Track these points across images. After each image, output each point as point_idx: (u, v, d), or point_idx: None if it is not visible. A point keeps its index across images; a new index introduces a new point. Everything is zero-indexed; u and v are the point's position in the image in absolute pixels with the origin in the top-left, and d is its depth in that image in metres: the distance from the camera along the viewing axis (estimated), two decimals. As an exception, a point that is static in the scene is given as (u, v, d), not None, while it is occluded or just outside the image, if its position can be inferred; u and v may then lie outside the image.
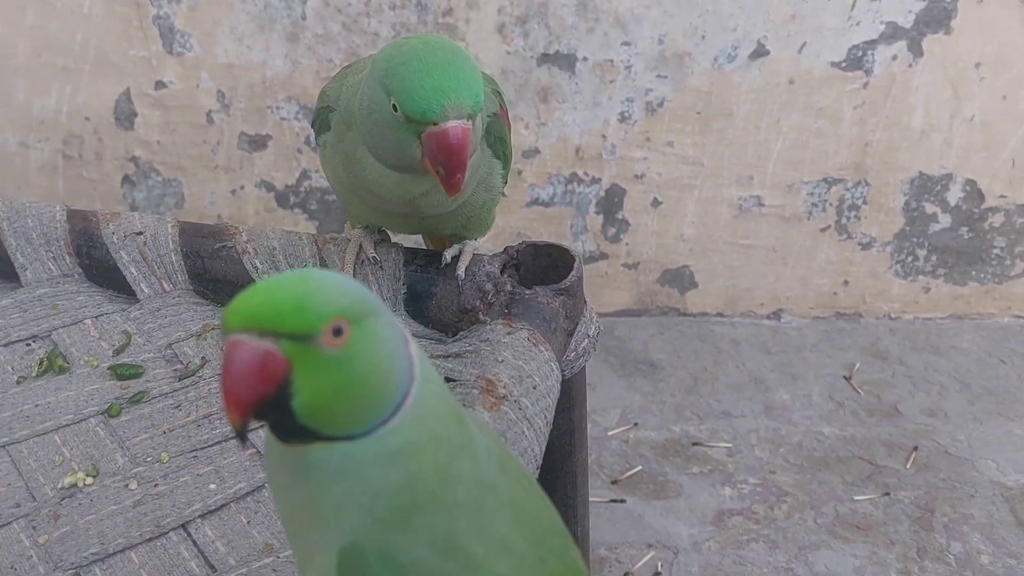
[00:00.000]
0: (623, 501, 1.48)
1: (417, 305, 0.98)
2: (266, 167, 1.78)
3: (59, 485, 0.83)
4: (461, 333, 0.95)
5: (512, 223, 1.83)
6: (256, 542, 0.78)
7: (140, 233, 1.04)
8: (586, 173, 1.80)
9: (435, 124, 0.77)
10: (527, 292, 0.93)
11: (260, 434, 0.87)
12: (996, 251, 1.89)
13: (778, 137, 1.77)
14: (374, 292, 0.97)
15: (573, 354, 0.95)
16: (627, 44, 1.69)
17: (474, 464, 0.54)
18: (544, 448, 0.84)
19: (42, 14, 1.66)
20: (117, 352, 0.97)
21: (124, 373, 0.94)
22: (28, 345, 0.98)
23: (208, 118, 1.74)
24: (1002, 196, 1.84)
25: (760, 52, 1.70)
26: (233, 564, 0.76)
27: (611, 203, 1.83)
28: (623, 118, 1.75)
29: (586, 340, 0.96)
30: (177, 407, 0.91)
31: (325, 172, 0.96)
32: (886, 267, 1.90)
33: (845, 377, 1.76)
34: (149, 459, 0.85)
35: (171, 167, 1.78)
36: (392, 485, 0.51)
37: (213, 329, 1.00)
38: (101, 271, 1.05)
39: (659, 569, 1.37)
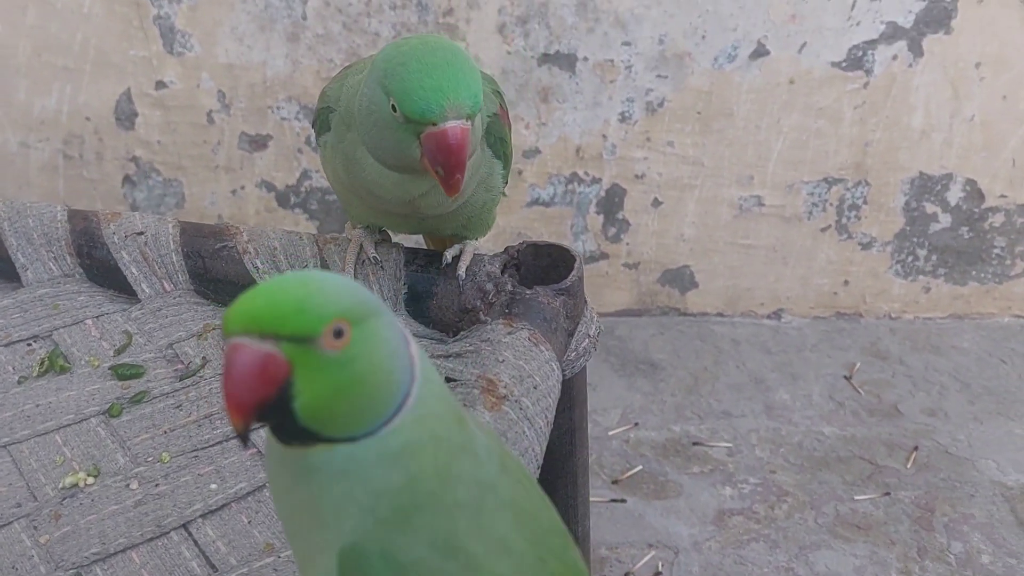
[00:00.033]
0: (624, 501, 1.48)
1: (418, 305, 0.98)
2: (267, 167, 1.78)
3: (60, 485, 0.83)
4: (462, 333, 0.95)
5: (512, 223, 1.83)
6: (257, 542, 0.78)
7: (141, 233, 1.04)
8: (586, 173, 1.80)
9: (434, 124, 0.77)
10: (528, 292, 0.93)
11: (261, 434, 0.87)
12: (996, 251, 1.89)
13: (778, 137, 1.77)
14: (375, 292, 0.97)
15: (574, 354, 0.95)
16: (627, 44, 1.69)
17: (475, 464, 0.54)
18: (545, 448, 0.84)
19: (42, 14, 1.66)
20: (118, 352, 0.97)
21: (125, 373, 0.94)
22: (29, 345, 0.98)
23: (209, 118, 1.74)
24: (1002, 196, 1.84)
25: (760, 52, 1.70)
26: (234, 564, 0.76)
27: (611, 203, 1.83)
28: (623, 118, 1.75)
29: (587, 340, 0.96)
30: (178, 407, 0.91)
31: (326, 172, 0.96)
32: (886, 267, 1.90)
33: (845, 377, 1.76)
34: (150, 459, 0.85)
35: (172, 167, 1.79)
36: (393, 485, 0.51)
37: (214, 329, 1.00)
38: (102, 271, 1.05)
39: (660, 569, 1.37)
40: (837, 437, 1.62)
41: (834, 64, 1.71)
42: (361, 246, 0.99)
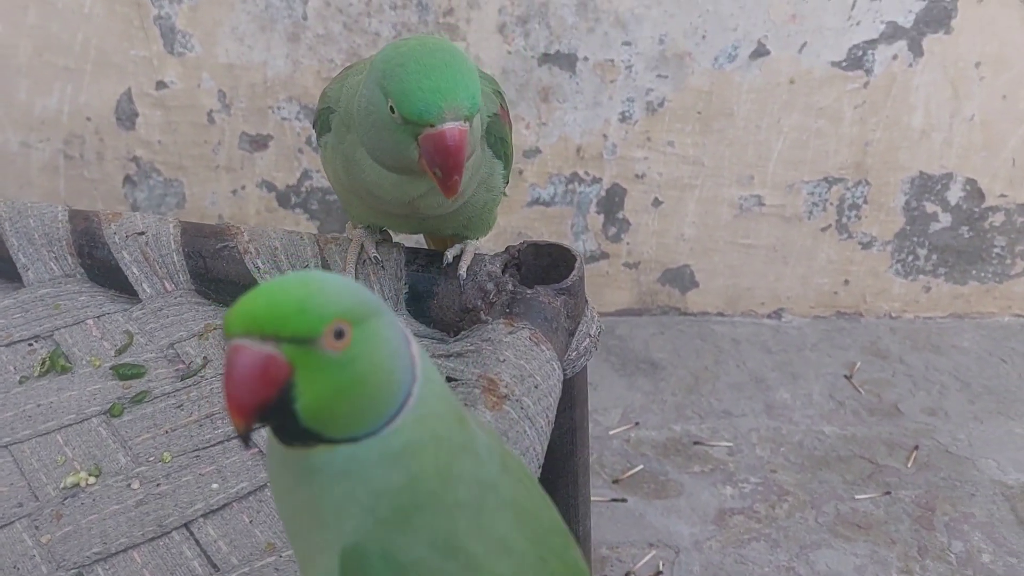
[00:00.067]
0: (624, 500, 1.48)
1: (419, 305, 0.98)
2: (267, 167, 1.79)
3: (61, 485, 0.83)
4: (463, 333, 0.95)
5: (513, 223, 1.84)
6: (258, 541, 0.78)
7: (142, 233, 1.04)
8: (587, 173, 1.80)
9: (432, 126, 0.77)
10: (528, 291, 0.94)
11: (263, 433, 0.87)
12: (996, 250, 1.89)
13: (778, 137, 1.78)
14: (376, 292, 0.97)
15: (575, 353, 0.95)
16: (628, 44, 1.69)
17: (475, 463, 0.54)
18: (546, 447, 0.84)
19: (43, 14, 1.66)
20: (119, 352, 0.97)
21: (126, 373, 0.94)
22: (30, 345, 0.99)
23: (209, 118, 1.74)
24: (1002, 195, 1.84)
25: (760, 52, 1.70)
26: (235, 563, 0.76)
27: (612, 203, 1.83)
28: (624, 118, 1.75)
29: (587, 339, 0.96)
30: (179, 407, 0.91)
31: (326, 173, 0.96)
32: (886, 266, 1.90)
33: (846, 376, 1.77)
34: (151, 459, 0.85)
35: (172, 167, 1.79)
36: (393, 485, 0.51)
37: (215, 329, 1.00)
38: (103, 271, 1.05)
39: (660, 568, 1.37)
40: (837, 436, 1.62)
41: (834, 64, 1.72)
42: (362, 246, 0.99)
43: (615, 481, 1.52)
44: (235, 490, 0.82)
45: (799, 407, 1.69)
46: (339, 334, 0.49)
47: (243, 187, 1.80)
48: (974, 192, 1.83)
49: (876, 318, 1.93)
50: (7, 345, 0.98)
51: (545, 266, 0.98)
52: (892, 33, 1.70)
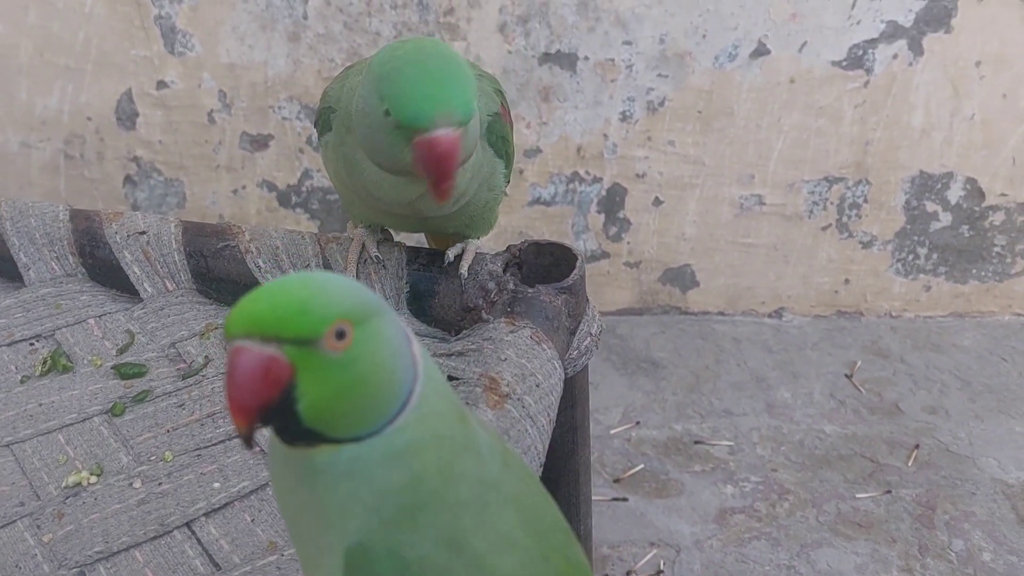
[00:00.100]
0: (625, 499, 1.48)
1: (420, 304, 0.98)
2: (268, 167, 1.79)
3: (63, 484, 0.83)
4: (464, 332, 0.95)
5: (514, 222, 1.84)
6: (260, 540, 0.78)
7: (143, 232, 1.04)
8: (587, 172, 1.80)
9: (425, 131, 0.77)
10: (530, 290, 0.94)
11: (265, 433, 0.87)
12: (997, 249, 1.89)
13: (779, 136, 1.78)
14: (377, 291, 0.97)
15: (576, 352, 0.95)
16: (628, 43, 1.69)
17: (477, 461, 0.54)
18: (547, 446, 0.85)
19: (44, 14, 1.66)
20: (121, 351, 0.98)
21: (128, 372, 0.94)
22: (32, 344, 0.99)
23: (210, 118, 1.74)
24: (1003, 194, 1.84)
25: (761, 51, 1.70)
26: (237, 562, 0.76)
27: (612, 202, 1.83)
28: (624, 117, 1.75)
29: (588, 338, 0.96)
30: (181, 406, 0.91)
31: (327, 172, 0.97)
32: (887, 265, 1.90)
33: (846, 375, 1.77)
34: (153, 458, 0.85)
35: (173, 167, 1.79)
36: (396, 484, 0.52)
37: (216, 328, 1.00)
38: (104, 271, 1.05)
39: (661, 567, 1.37)
40: (838, 435, 1.62)
41: (834, 63, 1.72)
42: (363, 245, 0.99)
43: (616, 480, 1.52)
44: (237, 489, 0.82)
45: (800, 406, 1.69)
46: (340, 335, 0.49)
47: (244, 187, 1.80)
48: (974, 191, 1.83)
49: (877, 317, 1.93)
50: (9, 344, 0.98)
51: (546, 265, 0.98)
52: (892, 32, 1.70)
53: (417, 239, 1.12)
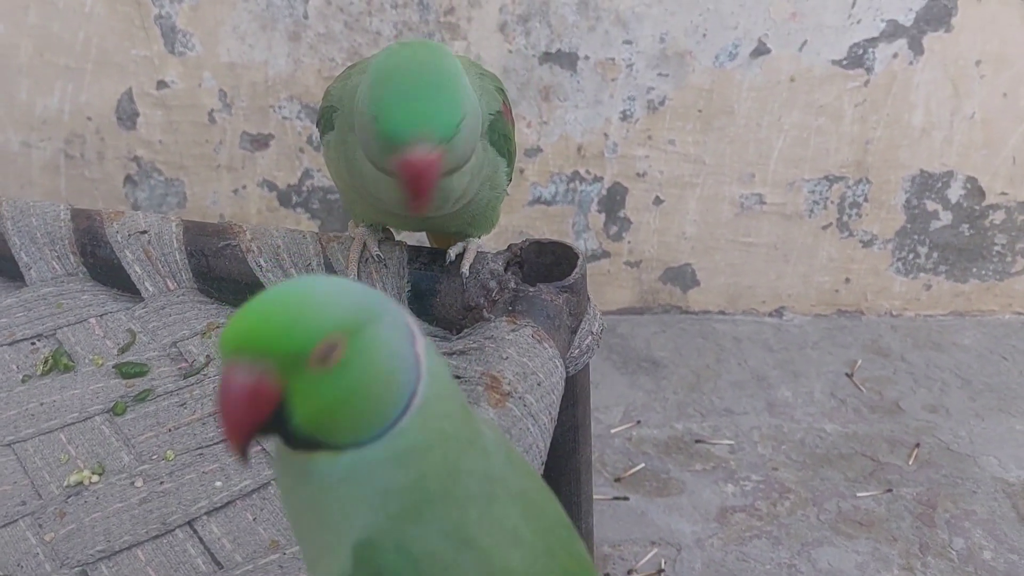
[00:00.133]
0: (626, 499, 1.48)
1: (421, 303, 0.98)
2: (268, 166, 1.79)
3: (65, 483, 0.83)
4: (465, 330, 0.95)
5: (515, 222, 1.84)
6: (262, 539, 0.78)
7: (144, 232, 1.04)
8: (588, 171, 1.80)
9: (404, 146, 0.77)
10: (531, 289, 0.94)
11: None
12: (997, 248, 1.89)
13: (779, 135, 1.78)
14: (378, 291, 0.97)
15: (577, 351, 0.95)
16: (628, 43, 1.69)
17: (483, 458, 0.54)
18: (548, 445, 0.85)
19: (44, 13, 1.66)
20: (122, 350, 0.98)
21: (129, 371, 0.94)
22: (33, 344, 0.99)
23: (210, 117, 1.74)
24: (1003, 193, 1.84)
25: (761, 50, 1.70)
26: (239, 561, 0.76)
27: (613, 201, 1.83)
28: (625, 116, 1.75)
29: (590, 337, 0.96)
30: (182, 405, 0.91)
31: (329, 171, 0.97)
32: (887, 264, 1.90)
33: (847, 374, 1.77)
34: (155, 457, 0.85)
35: (173, 167, 1.79)
36: (401, 485, 0.51)
37: (217, 327, 1.00)
38: (105, 270, 1.05)
39: (662, 566, 1.37)
40: (839, 434, 1.62)
41: (835, 62, 1.72)
42: (364, 244, 0.99)
43: (617, 479, 1.52)
44: (239, 488, 0.82)
45: (800, 405, 1.69)
46: (331, 348, 0.49)
47: (244, 186, 1.80)
48: (975, 190, 1.83)
49: (877, 316, 1.93)
50: (10, 344, 0.98)
51: (547, 264, 0.98)
52: (892, 31, 1.70)
53: (418, 238, 1.12)
